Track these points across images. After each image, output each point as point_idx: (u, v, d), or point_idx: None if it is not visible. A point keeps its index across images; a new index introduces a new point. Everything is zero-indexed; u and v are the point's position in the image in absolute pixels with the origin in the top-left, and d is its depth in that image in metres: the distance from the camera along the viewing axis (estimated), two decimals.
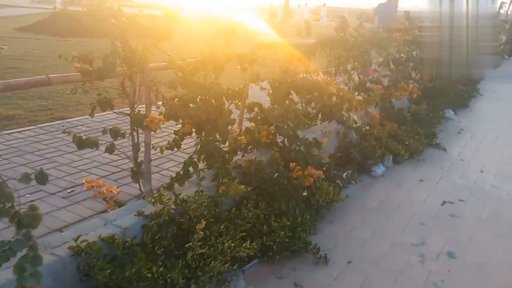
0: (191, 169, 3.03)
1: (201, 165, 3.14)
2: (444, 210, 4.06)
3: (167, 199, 2.57)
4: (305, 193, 3.50)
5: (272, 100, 3.74)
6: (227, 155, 3.41)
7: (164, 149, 3.10)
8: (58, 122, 5.39)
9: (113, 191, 2.98)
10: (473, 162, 5.50)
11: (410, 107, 7.01)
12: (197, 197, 2.69)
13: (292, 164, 3.55)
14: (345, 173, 4.59)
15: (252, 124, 3.92)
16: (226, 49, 3.15)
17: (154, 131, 2.70)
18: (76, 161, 4.05)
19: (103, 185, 2.98)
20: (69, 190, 3.44)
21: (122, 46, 2.59)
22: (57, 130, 4.92)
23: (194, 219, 2.54)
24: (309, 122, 4.87)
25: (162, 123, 2.63)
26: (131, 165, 4.12)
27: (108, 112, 5.06)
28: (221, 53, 3.03)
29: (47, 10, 21.45)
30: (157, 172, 3.92)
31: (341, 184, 4.14)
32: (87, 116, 5.21)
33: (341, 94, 3.98)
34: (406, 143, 5.46)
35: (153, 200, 2.53)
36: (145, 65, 2.64)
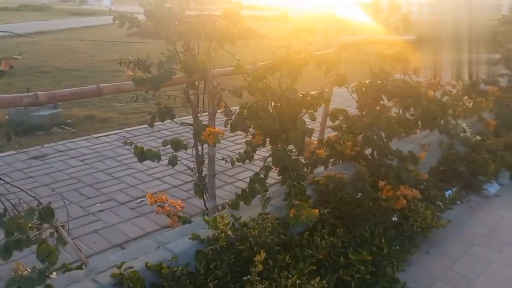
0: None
1: (274, 178, 2.81)
2: None
3: (224, 224, 2.25)
4: (395, 218, 2.97)
5: (358, 107, 3.25)
6: (304, 169, 3.03)
7: (235, 162, 2.81)
8: (140, 126, 5.40)
9: (177, 206, 2.75)
10: None
11: None
12: (260, 221, 2.34)
13: (381, 183, 3.04)
14: (449, 191, 3.93)
15: (336, 133, 3.47)
16: (304, 50, 2.76)
17: (213, 145, 2.42)
18: (153, 168, 3.93)
19: (167, 200, 2.77)
20: (138, 201, 3.31)
21: (185, 51, 2.33)
22: (142, 134, 4.91)
23: (254, 247, 2.20)
24: (407, 131, 4.28)
25: (222, 137, 2.33)
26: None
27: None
28: (297, 55, 2.65)
29: None
30: (231, 183, 3.66)
31: (442, 206, 3.51)
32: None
33: (443, 100, 3.35)
34: None
35: (207, 224, 2.24)
36: (207, 71, 2.36)
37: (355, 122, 3.28)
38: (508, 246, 3.18)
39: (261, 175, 2.56)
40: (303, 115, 2.67)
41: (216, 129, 2.34)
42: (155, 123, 4.91)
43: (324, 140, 3.32)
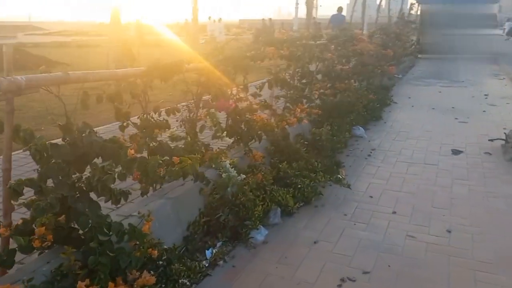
0: None
1: None
2: None
3: None
4: None
5: (38, 179, 2.30)
6: None
7: None
8: None
9: None
10: (384, 198, 4.40)
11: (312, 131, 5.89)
12: None
13: (80, 284, 2.16)
14: (210, 250, 3.28)
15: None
16: None
17: None
18: None
19: None
20: None
21: None
22: None
23: None
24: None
25: None
26: None
27: None
28: None
29: None
30: None
31: (188, 283, 2.79)
32: None
33: (150, 159, 2.63)
34: (299, 186, 4.25)
35: None
36: None
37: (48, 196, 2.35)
38: None
39: None
40: None
41: None
42: None
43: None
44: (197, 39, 26.67)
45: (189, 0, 20.98)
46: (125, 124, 3.47)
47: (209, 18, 27.47)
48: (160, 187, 3.57)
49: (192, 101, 3.91)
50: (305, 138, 5.52)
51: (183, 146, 3.89)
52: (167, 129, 3.54)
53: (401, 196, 4.46)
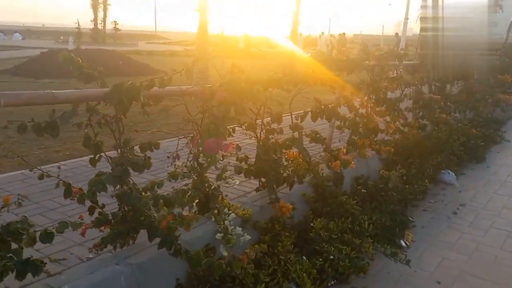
0: None
1: None
2: None
3: None
4: None
5: None
6: None
7: None
8: None
9: None
10: None
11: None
12: None
13: None
14: None
15: None
16: None
17: None
18: None
19: None
20: None
21: None
22: None
23: None
24: None
25: None
26: None
27: None
28: None
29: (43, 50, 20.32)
30: None
31: None
32: None
33: None
34: (332, 257, 3.12)
35: None
36: None
37: None
38: None
39: None
40: None
41: None
42: None
43: None
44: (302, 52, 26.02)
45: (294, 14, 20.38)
46: (96, 157, 2.71)
47: (321, 33, 26.96)
48: (133, 243, 2.74)
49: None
50: (365, 184, 4.32)
51: (188, 187, 3.03)
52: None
53: (483, 287, 3.10)
